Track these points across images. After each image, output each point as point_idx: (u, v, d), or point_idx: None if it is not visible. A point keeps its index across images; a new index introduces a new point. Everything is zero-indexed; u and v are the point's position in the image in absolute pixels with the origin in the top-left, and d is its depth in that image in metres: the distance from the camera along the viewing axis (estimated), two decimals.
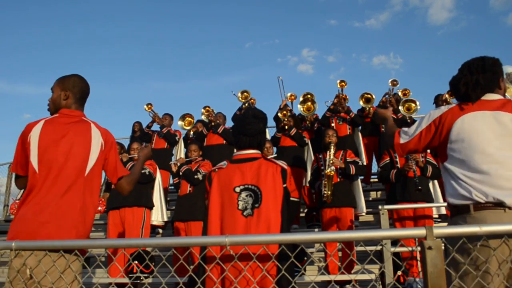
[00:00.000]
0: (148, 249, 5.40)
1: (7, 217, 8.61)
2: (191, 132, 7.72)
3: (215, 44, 28.82)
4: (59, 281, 2.01)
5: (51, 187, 2.14)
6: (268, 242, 1.84)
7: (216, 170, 2.60)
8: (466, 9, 27.13)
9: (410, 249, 4.57)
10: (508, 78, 3.45)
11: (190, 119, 7.75)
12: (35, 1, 26.82)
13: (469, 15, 27.09)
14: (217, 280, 2.26)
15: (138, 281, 5.02)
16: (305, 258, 4.98)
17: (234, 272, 2.19)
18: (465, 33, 27.41)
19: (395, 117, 2.33)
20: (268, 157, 2.61)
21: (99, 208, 7.20)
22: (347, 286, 4.86)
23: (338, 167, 5.21)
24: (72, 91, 2.36)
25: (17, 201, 8.06)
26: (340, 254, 5.25)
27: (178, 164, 5.82)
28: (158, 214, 6.07)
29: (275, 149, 6.65)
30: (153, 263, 5.15)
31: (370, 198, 7.66)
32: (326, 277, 4.87)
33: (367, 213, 6.28)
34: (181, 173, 5.65)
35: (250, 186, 2.47)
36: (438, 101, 6.75)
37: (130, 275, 5.04)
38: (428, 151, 5.61)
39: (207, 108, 7.57)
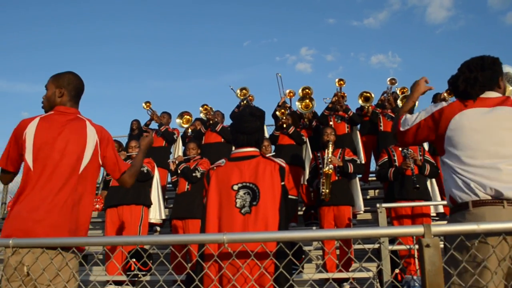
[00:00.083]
0: (146, 246, 5.40)
1: (4, 215, 8.59)
2: (189, 130, 7.72)
3: (213, 42, 28.80)
4: (56, 279, 2.01)
5: (45, 184, 2.13)
6: (266, 239, 1.84)
7: (215, 168, 2.59)
8: (464, 8, 27.17)
9: (408, 247, 4.58)
10: (505, 78, 3.46)
11: (188, 117, 7.75)
12: (34, 0, 26.77)
13: (467, 14, 27.12)
14: (215, 277, 2.26)
15: (136, 278, 5.02)
16: (303, 256, 4.98)
17: (232, 269, 2.19)
18: (464, 32, 27.45)
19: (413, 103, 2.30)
20: (267, 155, 2.60)
21: (97, 206, 7.18)
22: (345, 284, 4.87)
23: (336, 165, 5.22)
24: (67, 89, 2.35)
25: None
26: (338, 252, 5.25)
27: (177, 162, 5.82)
28: (156, 212, 6.07)
29: (273, 147, 6.65)
30: (151, 261, 5.15)
31: (368, 197, 7.66)
32: (324, 275, 4.87)
33: (365, 211, 6.28)
34: (179, 171, 5.65)
35: (248, 184, 2.47)
36: (437, 100, 6.76)
37: (128, 273, 5.04)
38: (426, 149, 5.62)
39: (205, 106, 7.56)
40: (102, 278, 5.18)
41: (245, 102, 7.58)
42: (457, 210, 2.01)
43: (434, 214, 5.69)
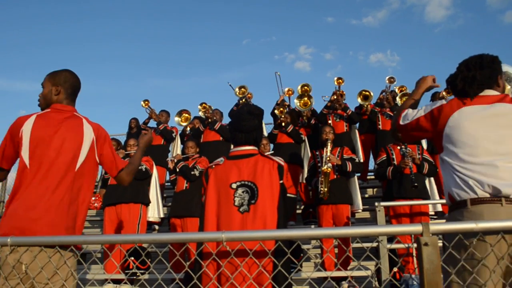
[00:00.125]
0: (144, 245, 5.40)
1: (1, 214, 8.57)
2: (188, 129, 7.71)
3: (212, 40, 28.78)
4: (54, 277, 2.01)
5: (41, 182, 2.12)
6: (265, 238, 1.84)
7: (213, 166, 2.59)
8: (463, 7, 27.18)
9: (406, 245, 4.59)
10: (504, 77, 3.46)
11: (186, 115, 7.74)
12: None
13: (466, 13, 27.14)
14: (214, 276, 2.26)
15: (134, 277, 5.02)
16: (302, 255, 4.98)
17: (231, 268, 2.19)
18: (462, 31, 27.46)
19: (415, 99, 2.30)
20: (265, 154, 2.60)
21: (96, 204, 7.18)
22: (343, 282, 4.87)
23: (335, 164, 5.22)
24: (64, 86, 2.34)
25: None
26: (336, 250, 5.26)
27: (175, 160, 5.81)
28: (155, 211, 6.07)
29: (272, 145, 6.65)
30: (149, 259, 5.14)
31: (367, 195, 7.67)
32: (322, 273, 4.88)
33: (364, 210, 6.29)
34: (177, 170, 5.65)
35: (246, 182, 2.47)
36: (435, 98, 6.76)
37: (126, 271, 5.03)
38: (425, 148, 5.63)
39: (204, 104, 7.55)
40: (100, 277, 5.18)
41: (244, 100, 7.57)
42: (455, 208, 2.01)
43: (433, 213, 5.70)
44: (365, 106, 7.15)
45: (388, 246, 4.61)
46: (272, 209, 2.40)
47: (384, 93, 7.43)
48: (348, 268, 5.02)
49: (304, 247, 5.35)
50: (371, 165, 7.51)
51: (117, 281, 5.10)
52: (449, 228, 1.63)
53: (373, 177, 7.28)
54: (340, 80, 7.26)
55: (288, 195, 2.54)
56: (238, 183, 2.47)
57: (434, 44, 28.07)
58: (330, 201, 5.12)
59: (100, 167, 2.43)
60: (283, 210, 2.43)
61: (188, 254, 5.16)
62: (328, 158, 5.11)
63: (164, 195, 7.53)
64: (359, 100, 7.19)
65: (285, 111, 6.95)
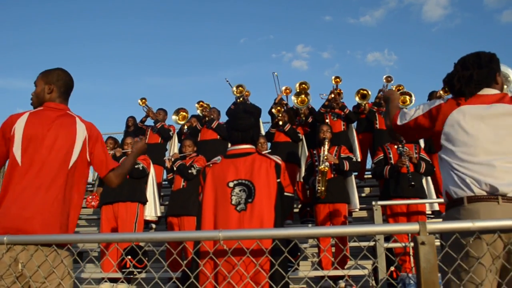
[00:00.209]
0: (141, 244, 5.39)
1: None
2: (185, 127, 7.70)
3: (210, 39, 28.74)
4: (50, 276, 2.00)
5: (33, 180, 2.10)
6: (262, 237, 1.84)
7: (211, 165, 2.59)
8: (460, 6, 27.22)
9: (403, 244, 4.59)
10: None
11: (184, 113, 7.73)
12: None
13: (463, 12, 27.18)
14: (211, 275, 2.25)
15: (131, 276, 5.01)
16: (299, 253, 4.99)
17: (228, 267, 2.18)
18: (460, 30, 27.52)
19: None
20: (262, 152, 2.60)
21: (93, 203, 7.16)
22: (340, 281, 4.88)
23: (332, 163, 5.22)
24: (56, 85, 2.33)
25: None
26: (333, 249, 5.26)
27: (172, 159, 5.80)
28: (152, 209, 6.06)
29: (269, 144, 6.65)
30: (146, 258, 5.14)
31: (364, 194, 7.68)
32: (319, 272, 4.89)
33: (361, 209, 6.30)
34: (175, 168, 5.64)
35: (243, 181, 2.47)
36: (433, 98, 6.77)
37: (123, 270, 5.02)
38: (422, 146, 5.64)
39: (201, 103, 7.54)
40: (97, 275, 5.17)
41: (241, 99, 7.56)
42: (452, 205, 2.02)
43: (430, 212, 5.71)
44: (363, 105, 7.15)
45: (385, 245, 4.62)
46: (269, 208, 2.40)
47: (381, 93, 7.42)
48: (345, 267, 5.03)
49: (301, 246, 5.36)
50: (369, 164, 7.51)
51: (113, 280, 5.09)
52: (446, 227, 1.63)
53: (370, 176, 7.28)
54: (338, 79, 7.26)
55: (285, 194, 2.54)
56: (235, 182, 2.47)
57: (431, 43, 28.15)
58: (327, 200, 5.12)
59: None
60: (280, 209, 2.43)
61: (185, 253, 5.15)
62: (325, 157, 5.11)
63: (161, 193, 7.52)
64: (357, 99, 7.18)
65: (283, 110, 6.95)
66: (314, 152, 5.50)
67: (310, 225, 6.25)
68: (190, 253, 2.18)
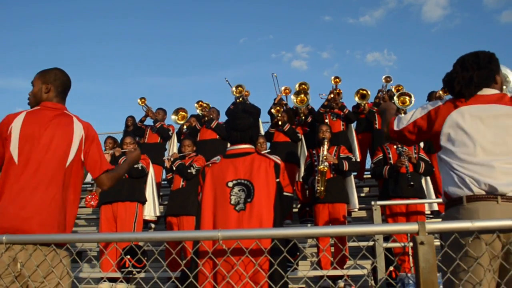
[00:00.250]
0: (141, 243, 5.38)
1: None
2: (185, 127, 7.69)
3: (210, 39, 28.73)
4: (49, 275, 2.00)
5: (31, 179, 2.10)
6: (261, 236, 1.84)
7: (210, 165, 2.59)
8: (460, 6, 27.22)
9: (402, 244, 4.60)
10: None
11: (183, 113, 7.72)
12: None
13: (463, 13, 27.18)
14: (210, 274, 2.25)
15: (130, 275, 5.01)
16: (298, 253, 4.99)
17: (227, 266, 2.18)
18: (459, 30, 27.51)
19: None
20: (262, 152, 2.60)
21: (92, 202, 7.15)
22: (339, 281, 4.88)
23: (332, 163, 5.22)
24: (54, 84, 2.33)
25: None
26: (332, 249, 5.26)
27: (172, 159, 5.80)
28: (151, 209, 6.05)
29: (268, 144, 6.64)
30: (145, 258, 5.13)
31: (363, 194, 7.69)
32: (318, 272, 4.89)
33: (360, 209, 6.30)
34: (174, 168, 5.64)
35: (242, 181, 2.46)
36: (432, 98, 6.78)
37: (122, 270, 5.02)
38: (421, 146, 5.64)
39: (200, 102, 7.54)
40: (96, 275, 5.17)
41: (240, 99, 7.56)
42: (451, 205, 2.02)
43: (429, 212, 5.71)
44: (362, 105, 7.15)
45: (384, 245, 4.62)
46: (268, 207, 2.40)
47: (381, 93, 7.43)
48: (344, 267, 5.02)
49: (300, 245, 5.36)
50: (368, 164, 7.52)
51: (113, 280, 5.09)
52: (445, 227, 1.63)
53: (369, 176, 7.28)
54: (337, 79, 7.27)
55: (285, 193, 2.54)
56: (234, 182, 2.47)
57: (430, 43, 28.15)
58: (327, 200, 5.12)
59: None
60: (279, 208, 2.43)
61: (184, 253, 5.15)
62: (324, 157, 5.11)
63: (161, 193, 7.52)
64: (356, 99, 7.19)
65: (282, 110, 6.95)
66: (314, 152, 5.50)
67: (309, 225, 6.25)
68: (189, 253, 2.18)
